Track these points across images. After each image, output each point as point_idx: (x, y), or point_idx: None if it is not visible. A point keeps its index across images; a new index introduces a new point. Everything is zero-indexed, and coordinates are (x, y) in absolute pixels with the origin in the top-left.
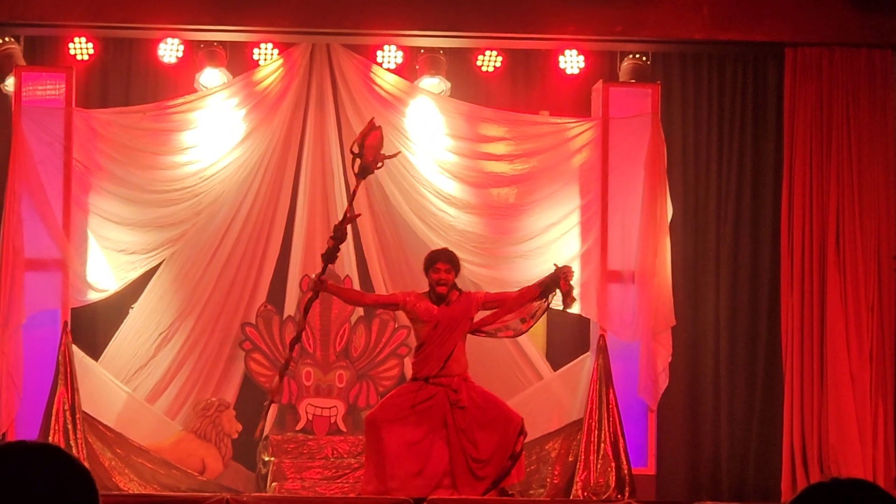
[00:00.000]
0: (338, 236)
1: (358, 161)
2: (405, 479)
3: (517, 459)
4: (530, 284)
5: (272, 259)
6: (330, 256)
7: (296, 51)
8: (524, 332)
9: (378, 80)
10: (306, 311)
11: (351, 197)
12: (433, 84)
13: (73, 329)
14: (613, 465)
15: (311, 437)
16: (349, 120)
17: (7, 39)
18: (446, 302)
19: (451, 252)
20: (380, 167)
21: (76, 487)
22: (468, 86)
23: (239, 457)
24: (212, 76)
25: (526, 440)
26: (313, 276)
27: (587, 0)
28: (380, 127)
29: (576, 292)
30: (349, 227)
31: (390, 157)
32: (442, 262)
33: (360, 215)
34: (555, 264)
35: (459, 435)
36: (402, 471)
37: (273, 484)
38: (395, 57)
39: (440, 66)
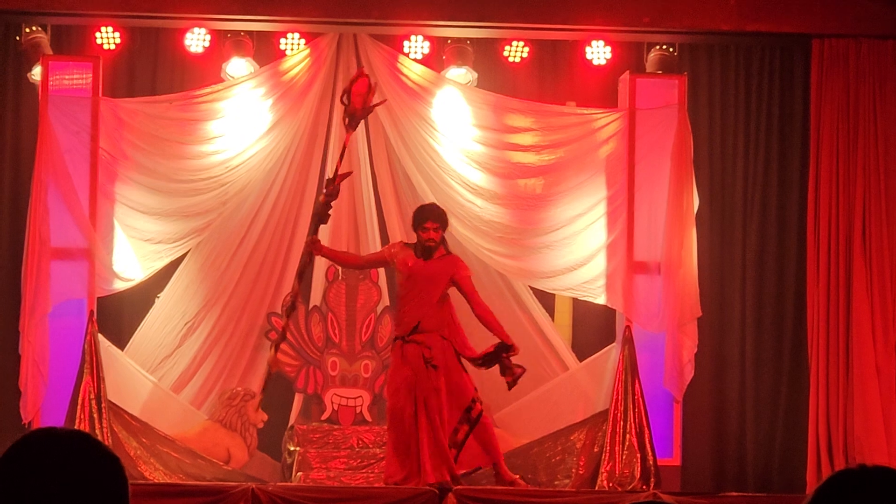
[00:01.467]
0: (330, 192)
1: (346, 111)
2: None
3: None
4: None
5: (298, 249)
6: (321, 215)
7: (323, 41)
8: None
9: (405, 71)
10: (300, 275)
11: (342, 150)
12: (460, 74)
13: (99, 318)
14: (639, 455)
15: (336, 426)
16: (376, 110)
17: (34, 29)
18: (428, 257)
19: (440, 209)
20: (368, 113)
21: (106, 474)
22: (495, 76)
23: (264, 446)
24: (238, 66)
25: (551, 431)
26: (307, 238)
27: None
28: (367, 75)
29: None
30: (379, 205)
31: (378, 104)
32: (431, 220)
33: (351, 173)
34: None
35: (435, 399)
36: (425, 455)
37: (298, 473)
38: (422, 47)
39: (467, 57)
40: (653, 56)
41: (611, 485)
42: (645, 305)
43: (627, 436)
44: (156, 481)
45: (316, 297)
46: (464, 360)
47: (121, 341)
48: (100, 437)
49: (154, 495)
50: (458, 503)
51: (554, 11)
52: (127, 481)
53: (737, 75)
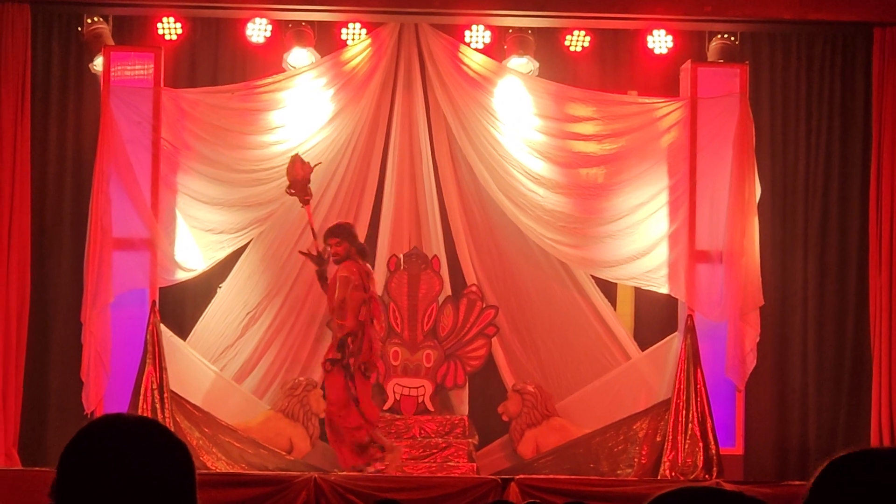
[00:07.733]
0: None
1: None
2: None
3: None
4: None
5: (359, 237)
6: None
7: (384, 30)
8: None
9: (466, 60)
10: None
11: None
12: (521, 64)
13: (161, 308)
14: (701, 445)
15: (398, 416)
16: (437, 100)
17: (96, 19)
18: None
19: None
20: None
21: (175, 461)
22: (556, 66)
23: (326, 436)
24: (300, 56)
25: (613, 420)
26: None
27: None
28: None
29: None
30: (441, 196)
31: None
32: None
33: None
34: None
35: None
36: None
37: None
38: (484, 37)
39: (528, 46)
40: (714, 45)
41: (673, 474)
42: (707, 294)
43: (690, 425)
44: (218, 471)
45: (377, 287)
46: None
47: (183, 331)
48: None
49: (216, 485)
50: (521, 492)
51: (615, 0)
52: (194, 469)
53: (798, 64)
